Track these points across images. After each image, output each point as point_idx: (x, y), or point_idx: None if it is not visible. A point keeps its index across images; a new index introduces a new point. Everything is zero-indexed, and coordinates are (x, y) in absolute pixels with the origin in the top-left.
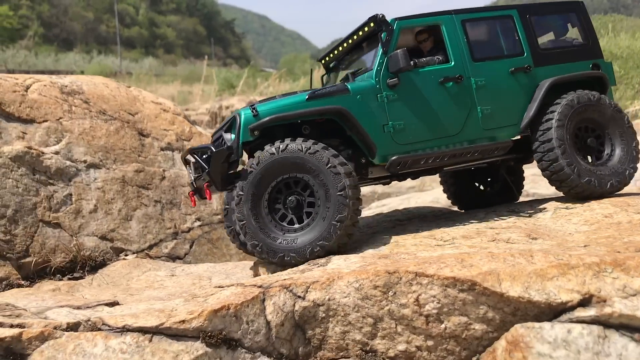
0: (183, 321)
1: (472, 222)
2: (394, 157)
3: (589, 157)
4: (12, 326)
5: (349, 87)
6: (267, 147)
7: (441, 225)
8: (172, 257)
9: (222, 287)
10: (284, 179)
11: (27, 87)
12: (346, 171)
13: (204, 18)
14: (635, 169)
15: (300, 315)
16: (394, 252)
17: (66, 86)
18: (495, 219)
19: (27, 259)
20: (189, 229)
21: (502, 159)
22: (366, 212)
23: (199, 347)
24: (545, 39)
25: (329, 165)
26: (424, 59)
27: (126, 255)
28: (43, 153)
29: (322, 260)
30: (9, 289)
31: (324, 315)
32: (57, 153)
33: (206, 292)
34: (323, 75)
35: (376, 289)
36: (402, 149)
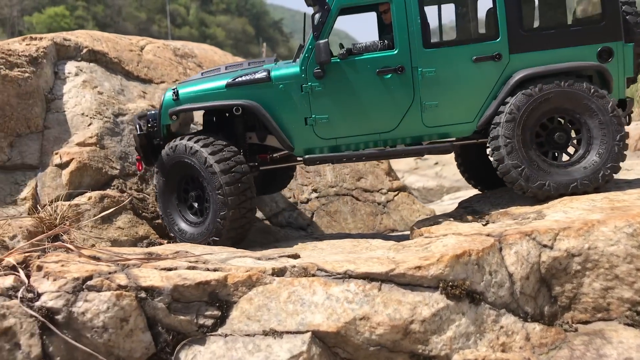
0: (419, 267)
1: None
2: (307, 156)
3: (561, 155)
4: (207, 270)
5: (271, 74)
6: (167, 145)
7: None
8: (295, 228)
9: (432, 236)
10: (186, 175)
11: (142, 48)
12: (223, 168)
13: (252, 18)
14: (615, 170)
15: (547, 267)
16: (616, 206)
17: (178, 49)
18: None
19: (160, 220)
20: (307, 200)
21: None
22: (437, 206)
23: (438, 299)
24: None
25: (206, 164)
26: (363, 45)
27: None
28: None
29: (533, 215)
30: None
31: (578, 267)
32: None
33: (417, 242)
34: None
35: None
36: (325, 144)
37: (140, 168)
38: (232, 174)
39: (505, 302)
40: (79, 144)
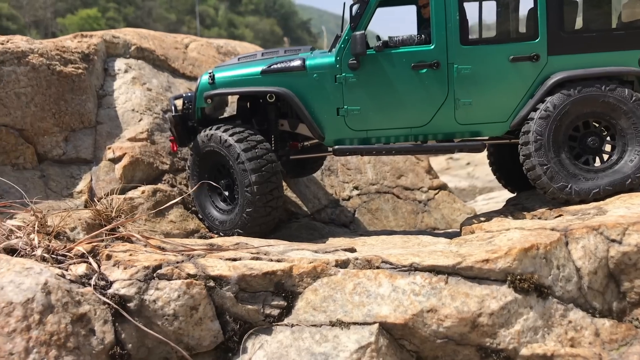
0: (486, 260)
1: None
2: (337, 147)
3: (595, 159)
4: (271, 260)
5: (306, 63)
6: (202, 132)
7: None
8: (338, 225)
9: (493, 231)
10: (218, 163)
11: (186, 46)
12: (254, 167)
13: (281, 18)
14: None
15: (616, 262)
16: None
17: (221, 46)
18: None
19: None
20: (349, 197)
21: None
22: (473, 206)
23: (506, 292)
24: None
25: (238, 160)
26: (400, 38)
27: (297, 218)
28: None
29: (593, 211)
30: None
31: None
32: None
33: (478, 236)
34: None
35: None
36: (356, 135)
37: (174, 149)
38: (263, 173)
39: (573, 297)
40: (131, 139)
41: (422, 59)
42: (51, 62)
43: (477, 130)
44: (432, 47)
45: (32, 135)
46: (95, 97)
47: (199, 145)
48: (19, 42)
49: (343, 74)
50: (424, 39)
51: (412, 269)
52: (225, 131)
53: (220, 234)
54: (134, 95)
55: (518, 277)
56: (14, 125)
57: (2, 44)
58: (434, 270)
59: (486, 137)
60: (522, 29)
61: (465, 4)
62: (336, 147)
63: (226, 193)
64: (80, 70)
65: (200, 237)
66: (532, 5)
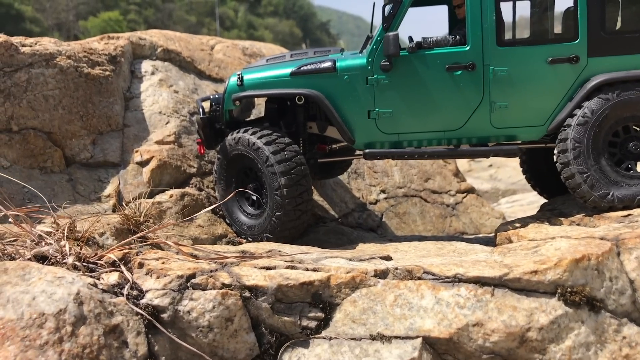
0: (535, 272)
1: None
2: (368, 150)
3: (637, 165)
4: (306, 269)
5: (337, 65)
6: (229, 135)
7: None
8: (365, 229)
9: (538, 240)
10: (245, 166)
11: (212, 47)
12: (284, 169)
13: (300, 20)
14: None
15: None
16: None
17: (247, 48)
18: None
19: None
20: (376, 201)
21: None
22: (498, 209)
23: (556, 305)
24: None
25: (267, 163)
26: (434, 39)
27: (324, 222)
28: None
29: None
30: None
31: None
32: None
33: (522, 245)
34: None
35: None
36: (387, 139)
37: (201, 151)
38: (292, 176)
39: (626, 311)
40: (158, 142)
41: (457, 60)
42: (79, 64)
43: (513, 134)
44: (468, 48)
45: (60, 139)
46: (123, 99)
47: (227, 148)
48: (47, 44)
49: (375, 76)
50: (458, 39)
51: (456, 280)
52: (253, 134)
53: (249, 239)
54: (160, 97)
55: (568, 289)
56: (42, 128)
57: (31, 46)
58: (479, 281)
59: (520, 142)
60: (561, 29)
61: (502, 4)
62: (367, 150)
63: (254, 197)
64: (107, 72)
65: (228, 242)
66: (570, 5)
